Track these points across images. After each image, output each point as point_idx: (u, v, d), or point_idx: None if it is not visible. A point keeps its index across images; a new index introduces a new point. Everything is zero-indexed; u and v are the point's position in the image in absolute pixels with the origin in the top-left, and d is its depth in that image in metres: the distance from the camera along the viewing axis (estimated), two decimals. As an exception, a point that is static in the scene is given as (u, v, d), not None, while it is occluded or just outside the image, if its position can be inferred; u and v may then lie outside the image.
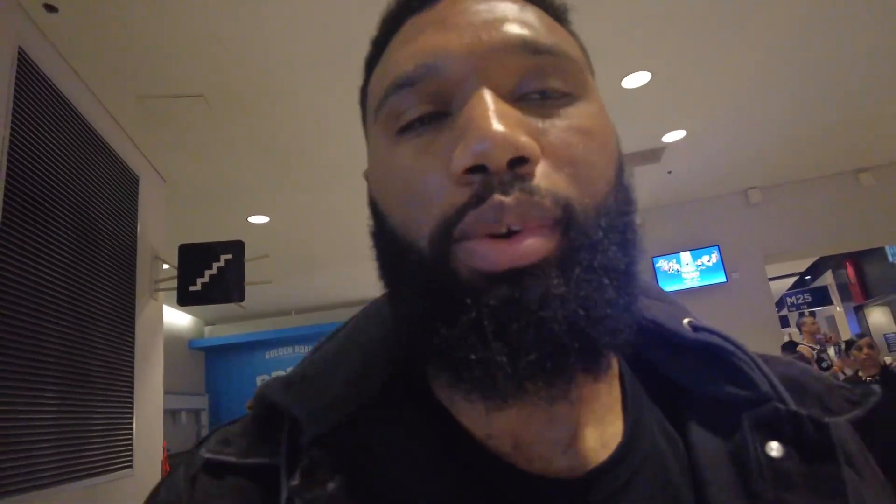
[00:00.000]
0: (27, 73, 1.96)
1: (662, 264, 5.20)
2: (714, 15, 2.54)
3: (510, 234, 0.28)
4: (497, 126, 0.28)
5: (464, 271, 0.29)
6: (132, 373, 2.63)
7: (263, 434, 0.33)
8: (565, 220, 0.29)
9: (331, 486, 0.30)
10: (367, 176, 0.39)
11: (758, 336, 4.78)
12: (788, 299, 9.38)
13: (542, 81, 0.31)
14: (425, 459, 0.32)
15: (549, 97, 0.31)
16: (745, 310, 4.94)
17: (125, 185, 2.74)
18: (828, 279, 9.08)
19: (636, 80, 2.98)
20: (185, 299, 3.14)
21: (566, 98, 0.32)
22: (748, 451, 0.32)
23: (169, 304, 3.87)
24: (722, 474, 0.32)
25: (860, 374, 3.34)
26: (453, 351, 0.28)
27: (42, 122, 2.03)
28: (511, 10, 0.33)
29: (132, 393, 2.61)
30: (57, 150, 2.12)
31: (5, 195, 1.77)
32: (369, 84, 0.37)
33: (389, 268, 0.34)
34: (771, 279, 6.05)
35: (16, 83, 1.88)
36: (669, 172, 4.38)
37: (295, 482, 0.30)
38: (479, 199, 0.28)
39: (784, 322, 8.29)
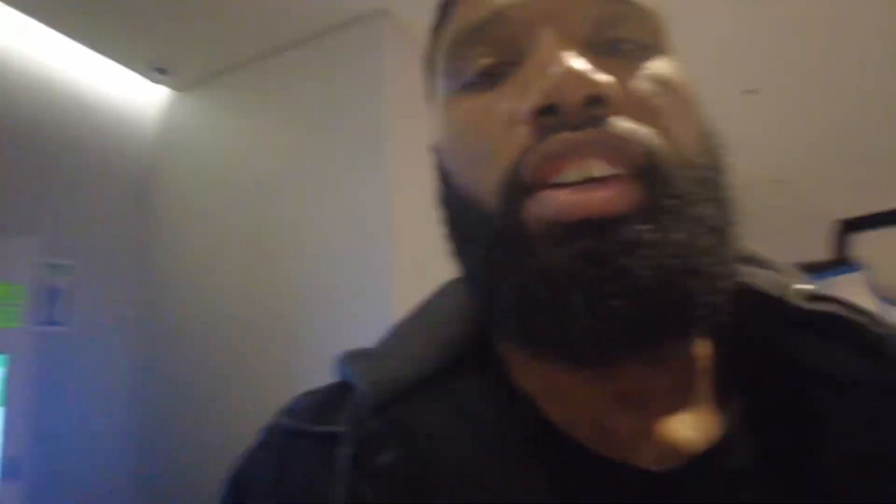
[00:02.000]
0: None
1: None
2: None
3: (587, 182, 0.25)
4: (572, 62, 0.25)
5: (533, 223, 0.26)
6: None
7: (338, 402, 0.32)
8: (649, 170, 0.25)
9: (385, 458, 0.28)
10: (432, 147, 0.37)
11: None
12: None
13: (618, 30, 0.28)
14: (493, 439, 0.29)
15: (627, 48, 0.28)
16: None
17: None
18: None
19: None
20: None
21: (645, 50, 0.29)
22: None
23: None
24: (863, 483, 0.26)
25: None
26: (523, 300, 0.25)
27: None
28: None
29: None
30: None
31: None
32: (436, 49, 0.35)
33: (457, 229, 0.31)
34: None
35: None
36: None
37: (349, 452, 0.28)
38: (546, 134, 0.26)
39: None
